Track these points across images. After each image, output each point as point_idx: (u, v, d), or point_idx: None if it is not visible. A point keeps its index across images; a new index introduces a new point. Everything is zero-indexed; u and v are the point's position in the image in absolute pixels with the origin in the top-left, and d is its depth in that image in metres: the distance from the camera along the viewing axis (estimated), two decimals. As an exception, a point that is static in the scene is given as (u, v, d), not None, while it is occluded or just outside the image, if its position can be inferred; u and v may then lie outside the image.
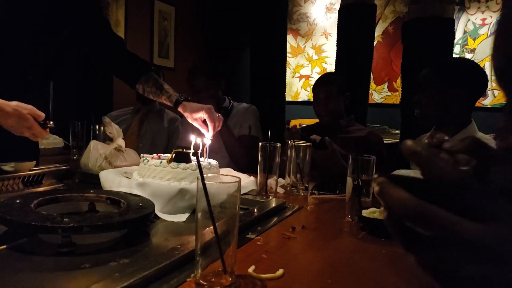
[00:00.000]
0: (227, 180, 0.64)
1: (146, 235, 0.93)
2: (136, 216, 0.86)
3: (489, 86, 4.39)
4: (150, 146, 2.39)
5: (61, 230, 0.76)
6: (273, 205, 1.07)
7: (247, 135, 2.17)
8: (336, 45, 2.94)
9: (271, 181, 1.26)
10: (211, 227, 0.62)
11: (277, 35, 3.26)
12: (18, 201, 0.89)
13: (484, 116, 4.09)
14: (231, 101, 2.37)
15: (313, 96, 2.12)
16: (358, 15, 2.76)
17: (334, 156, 1.69)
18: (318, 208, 1.15)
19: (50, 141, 1.88)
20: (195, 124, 1.47)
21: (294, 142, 1.33)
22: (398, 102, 5.39)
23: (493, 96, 4.38)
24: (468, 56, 4.41)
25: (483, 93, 1.52)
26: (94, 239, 0.84)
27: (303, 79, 5.63)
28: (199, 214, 0.63)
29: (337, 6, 3.06)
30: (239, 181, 0.63)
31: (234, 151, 2.15)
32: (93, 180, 1.27)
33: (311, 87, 5.64)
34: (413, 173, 1.11)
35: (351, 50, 2.79)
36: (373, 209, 0.96)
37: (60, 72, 1.57)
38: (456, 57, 2.82)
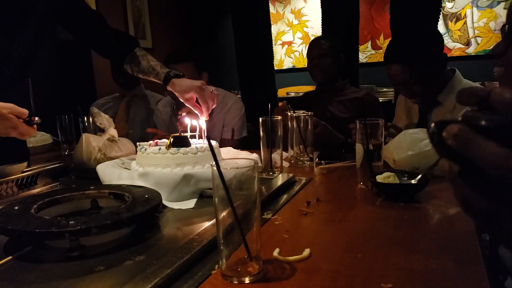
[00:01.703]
0: (243, 164, 0.59)
1: (156, 227, 0.89)
2: (144, 209, 0.82)
3: (471, 34, 4.36)
4: (140, 131, 2.31)
5: (69, 234, 0.72)
6: (282, 181, 1.03)
7: (229, 140, 2.04)
8: (321, 7, 2.85)
9: (275, 156, 1.22)
10: (230, 211, 0.58)
11: (259, 2, 3.14)
12: (16, 207, 0.84)
13: (468, 65, 4.07)
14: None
15: (307, 57, 2.08)
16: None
17: (327, 131, 1.66)
18: (327, 178, 1.12)
19: (38, 138, 1.80)
20: (187, 104, 1.38)
21: (293, 112, 1.29)
22: (382, 60, 5.36)
23: (476, 44, 4.35)
24: (448, 4, 4.35)
25: (442, 51, 1.48)
26: (103, 238, 0.80)
27: (286, 46, 5.52)
28: (217, 200, 0.59)
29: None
30: (256, 162, 0.59)
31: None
32: (90, 175, 1.21)
33: (295, 53, 5.57)
34: (422, 132, 1.08)
35: (336, 10, 2.70)
36: (387, 173, 0.93)
37: (37, 66, 1.47)
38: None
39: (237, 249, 0.60)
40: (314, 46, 2.05)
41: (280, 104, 1.98)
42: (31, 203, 0.87)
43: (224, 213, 0.60)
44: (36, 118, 1.10)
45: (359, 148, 1.01)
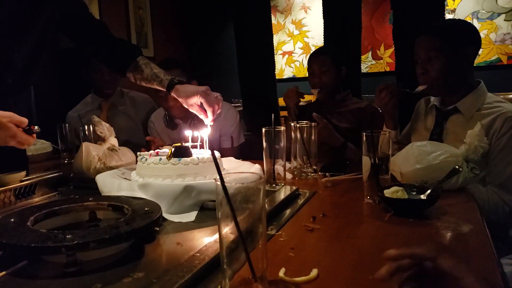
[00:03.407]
0: (248, 177, 0.57)
1: (156, 241, 0.86)
2: (144, 223, 0.79)
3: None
4: (128, 137, 2.13)
5: (65, 249, 0.69)
6: (286, 194, 1.01)
7: (229, 148, 2.02)
8: (323, 18, 2.85)
9: (277, 167, 1.19)
10: (234, 227, 0.55)
11: (261, 12, 3.13)
12: (12, 219, 0.81)
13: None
14: None
15: (308, 69, 2.06)
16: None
17: (327, 129, 1.64)
18: (332, 192, 1.09)
19: (38, 146, 1.78)
20: (191, 110, 1.35)
21: (297, 123, 1.26)
22: (383, 70, 5.36)
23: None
24: (448, 16, 4.35)
25: (478, 52, 1.46)
26: (100, 253, 0.77)
27: (286, 56, 5.54)
28: (220, 216, 0.56)
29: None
30: (262, 177, 0.56)
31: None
32: (89, 185, 1.18)
33: (295, 63, 5.58)
34: (430, 144, 1.06)
35: (338, 20, 2.69)
36: (395, 187, 0.90)
37: (39, 74, 1.45)
38: (448, 18, 2.72)
39: (241, 268, 0.57)
40: (314, 61, 2.01)
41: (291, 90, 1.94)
42: (27, 215, 0.84)
43: (227, 229, 0.58)
44: (36, 127, 1.08)
45: (365, 160, 0.98)
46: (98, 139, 1.45)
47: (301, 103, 2.02)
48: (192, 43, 4.62)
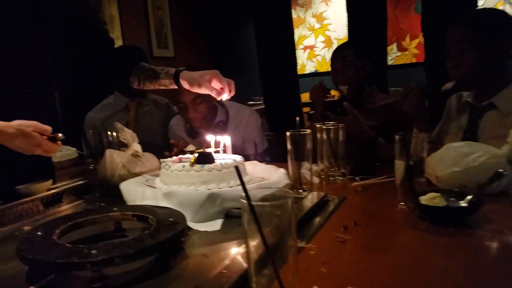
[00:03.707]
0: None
1: (181, 252, 0.84)
2: (169, 235, 0.77)
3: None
4: (153, 139, 2.14)
5: (90, 265, 0.67)
6: (314, 201, 0.96)
7: (253, 155, 1.92)
8: (346, 10, 2.77)
9: (303, 171, 1.15)
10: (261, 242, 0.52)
11: (280, 7, 3.08)
12: (39, 233, 0.81)
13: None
14: (225, 108, 2.03)
15: (331, 66, 2.00)
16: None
17: (357, 121, 1.58)
18: (362, 197, 1.05)
19: (63, 153, 1.80)
20: (204, 88, 1.24)
21: (324, 124, 1.22)
22: (409, 62, 5.18)
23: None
24: (479, 2, 4.17)
25: None
26: (126, 266, 0.75)
27: (308, 50, 5.46)
28: (247, 232, 0.53)
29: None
30: (292, 196, 0.53)
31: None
32: (114, 192, 1.18)
33: (317, 57, 5.48)
34: (467, 145, 0.99)
35: (362, 11, 2.61)
36: (431, 193, 0.84)
37: (63, 79, 1.46)
38: (482, 8, 2.59)
39: (270, 287, 0.54)
40: (337, 57, 1.95)
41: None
42: (53, 228, 0.84)
43: (254, 243, 0.54)
44: (60, 135, 1.08)
45: (398, 164, 0.93)
46: (122, 146, 1.45)
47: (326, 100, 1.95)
48: (211, 42, 4.61)
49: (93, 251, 0.70)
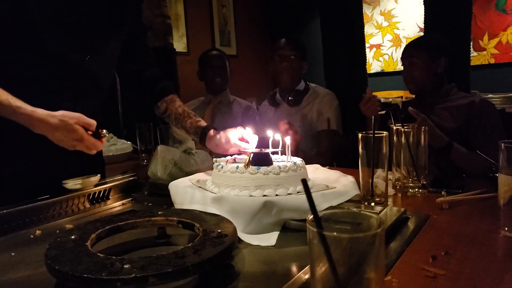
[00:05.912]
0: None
1: (229, 269, 0.71)
2: (216, 252, 0.64)
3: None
4: None
5: (120, 284, 0.57)
6: (391, 218, 0.79)
7: (325, 130, 1.96)
8: (423, 3, 2.50)
9: (377, 181, 0.97)
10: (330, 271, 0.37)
11: (352, 1, 2.89)
12: (73, 237, 0.72)
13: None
14: (306, 82, 2.11)
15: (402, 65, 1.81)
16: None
17: (427, 125, 1.36)
18: (450, 217, 0.85)
19: (118, 146, 1.77)
20: (233, 143, 1.20)
21: (402, 126, 1.03)
22: (487, 63, 4.69)
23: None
24: None
25: None
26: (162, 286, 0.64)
27: (374, 49, 5.17)
28: (313, 258, 0.39)
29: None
30: (383, 225, 0.37)
31: (309, 146, 1.92)
32: (163, 191, 1.09)
33: (384, 56, 5.15)
34: None
35: (442, 4, 2.35)
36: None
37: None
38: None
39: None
40: (405, 53, 1.79)
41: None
42: (90, 231, 0.75)
43: (320, 269, 0.40)
44: (104, 131, 1.00)
45: (503, 179, 0.73)
46: (175, 142, 1.37)
47: (390, 99, 1.77)
48: (275, 40, 4.49)
49: (126, 266, 0.59)
